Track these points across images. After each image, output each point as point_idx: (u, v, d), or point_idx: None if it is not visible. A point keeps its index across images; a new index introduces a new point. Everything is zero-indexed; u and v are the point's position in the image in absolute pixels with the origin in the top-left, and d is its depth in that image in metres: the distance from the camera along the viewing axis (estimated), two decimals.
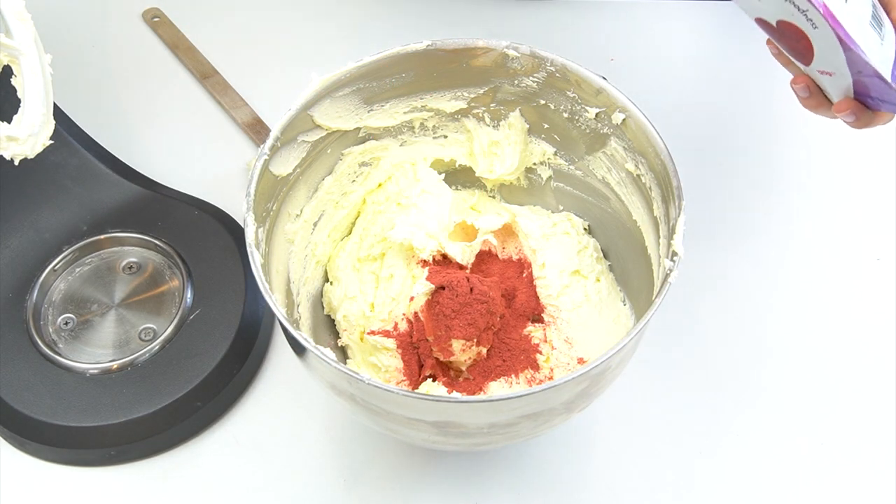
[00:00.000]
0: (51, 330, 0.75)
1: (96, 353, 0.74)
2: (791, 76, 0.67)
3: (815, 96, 0.66)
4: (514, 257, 0.75)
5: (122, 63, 0.98)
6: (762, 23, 0.64)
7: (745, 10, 0.64)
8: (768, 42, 0.67)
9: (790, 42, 0.64)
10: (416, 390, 0.68)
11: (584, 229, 0.76)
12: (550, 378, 0.69)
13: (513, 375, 0.69)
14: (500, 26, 1.00)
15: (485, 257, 0.75)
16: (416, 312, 0.69)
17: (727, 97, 0.95)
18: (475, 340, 0.67)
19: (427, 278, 0.69)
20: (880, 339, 0.78)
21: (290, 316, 0.68)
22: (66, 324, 0.76)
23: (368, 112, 0.74)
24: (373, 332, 0.70)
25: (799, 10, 0.59)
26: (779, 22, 0.62)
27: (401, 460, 0.72)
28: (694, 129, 0.91)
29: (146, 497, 0.70)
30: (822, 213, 0.86)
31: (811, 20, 0.59)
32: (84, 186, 0.80)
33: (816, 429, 0.73)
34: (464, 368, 0.69)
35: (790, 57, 0.66)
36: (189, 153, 0.90)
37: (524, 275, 0.74)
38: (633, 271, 0.72)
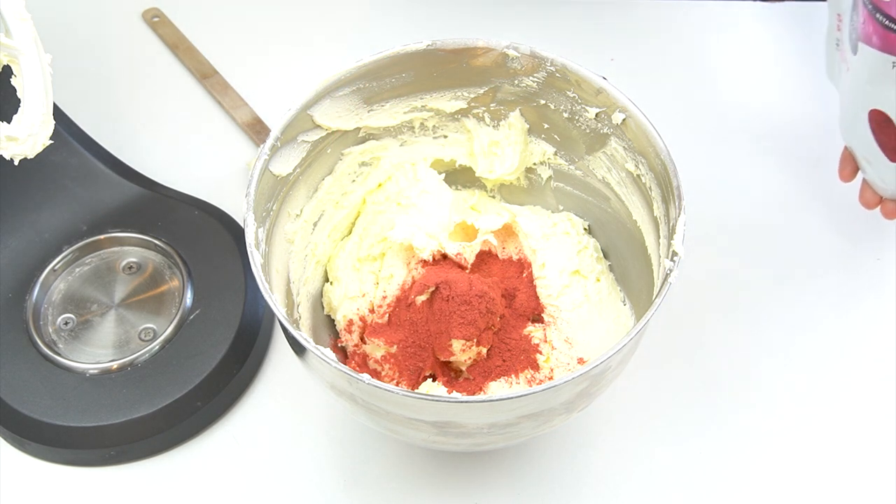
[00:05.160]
0: (51, 330, 0.75)
1: (96, 353, 0.74)
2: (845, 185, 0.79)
3: (875, 202, 0.78)
4: (514, 257, 0.75)
5: (122, 63, 0.98)
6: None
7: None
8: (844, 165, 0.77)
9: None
10: (416, 390, 0.68)
11: (584, 229, 0.76)
12: (550, 378, 0.69)
13: (513, 375, 0.69)
14: (500, 26, 1.00)
15: (485, 257, 0.75)
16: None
17: (727, 97, 0.94)
18: (475, 340, 0.67)
19: (427, 278, 0.69)
20: (880, 339, 0.78)
21: (290, 316, 0.68)
22: (66, 324, 0.76)
23: (368, 112, 0.74)
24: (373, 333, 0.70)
25: None
26: None
27: (401, 460, 0.72)
28: (694, 129, 0.91)
29: (146, 497, 0.70)
30: (822, 212, 0.86)
31: None
32: (84, 186, 0.80)
33: (816, 429, 0.73)
34: (464, 368, 0.69)
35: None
36: (189, 153, 0.90)
37: (524, 275, 0.74)
38: (633, 271, 0.72)
